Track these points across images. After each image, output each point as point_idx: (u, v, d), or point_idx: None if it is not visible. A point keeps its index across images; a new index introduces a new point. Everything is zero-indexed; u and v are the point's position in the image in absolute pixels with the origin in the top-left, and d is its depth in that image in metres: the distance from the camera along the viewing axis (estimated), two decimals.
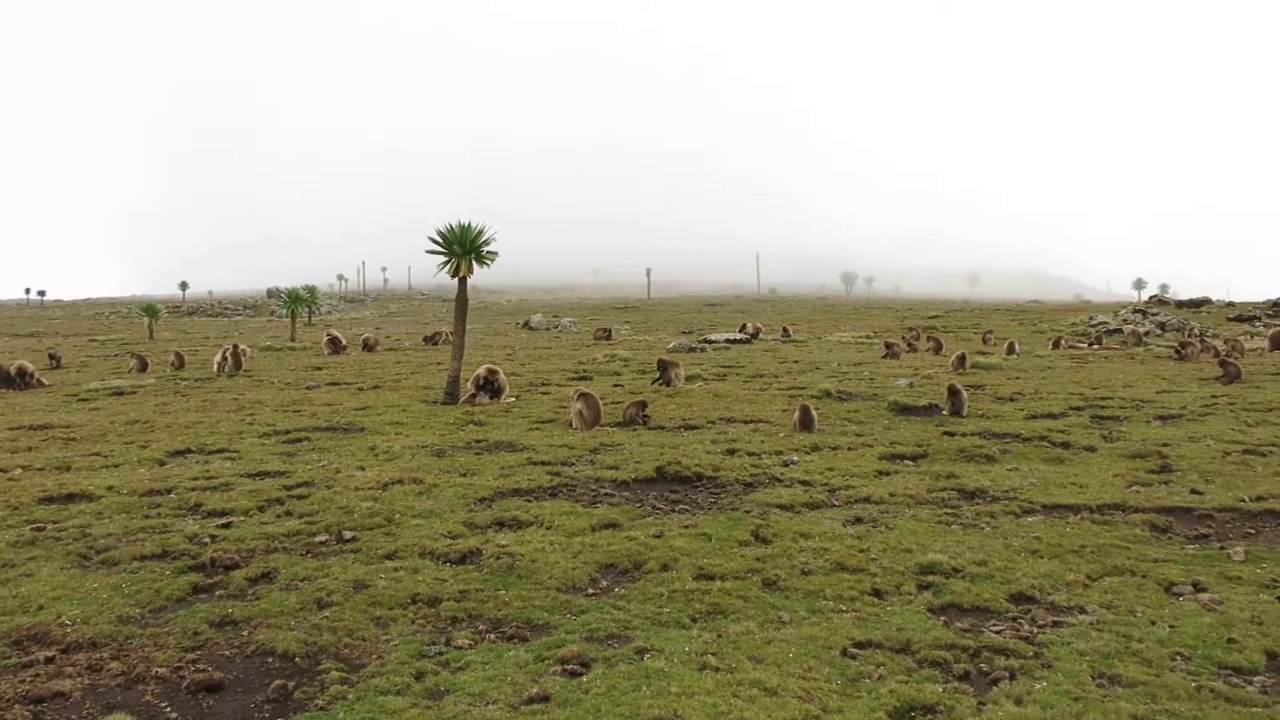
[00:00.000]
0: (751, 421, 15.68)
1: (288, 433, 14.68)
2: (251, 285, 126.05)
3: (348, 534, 8.96)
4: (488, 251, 19.03)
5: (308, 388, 21.20)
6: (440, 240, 18.84)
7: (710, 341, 35.72)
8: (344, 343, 32.63)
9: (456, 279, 19.08)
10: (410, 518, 9.56)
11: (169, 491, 10.70)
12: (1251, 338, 39.95)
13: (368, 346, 33.38)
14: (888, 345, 31.14)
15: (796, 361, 27.47)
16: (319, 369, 26.19)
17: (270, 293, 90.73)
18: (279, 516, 9.67)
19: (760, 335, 40.55)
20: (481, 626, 6.84)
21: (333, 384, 22.05)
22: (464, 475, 11.49)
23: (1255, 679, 5.91)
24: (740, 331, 40.36)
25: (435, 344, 36.17)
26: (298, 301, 41.76)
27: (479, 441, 13.84)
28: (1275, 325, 42.82)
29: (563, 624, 6.84)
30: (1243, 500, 10.12)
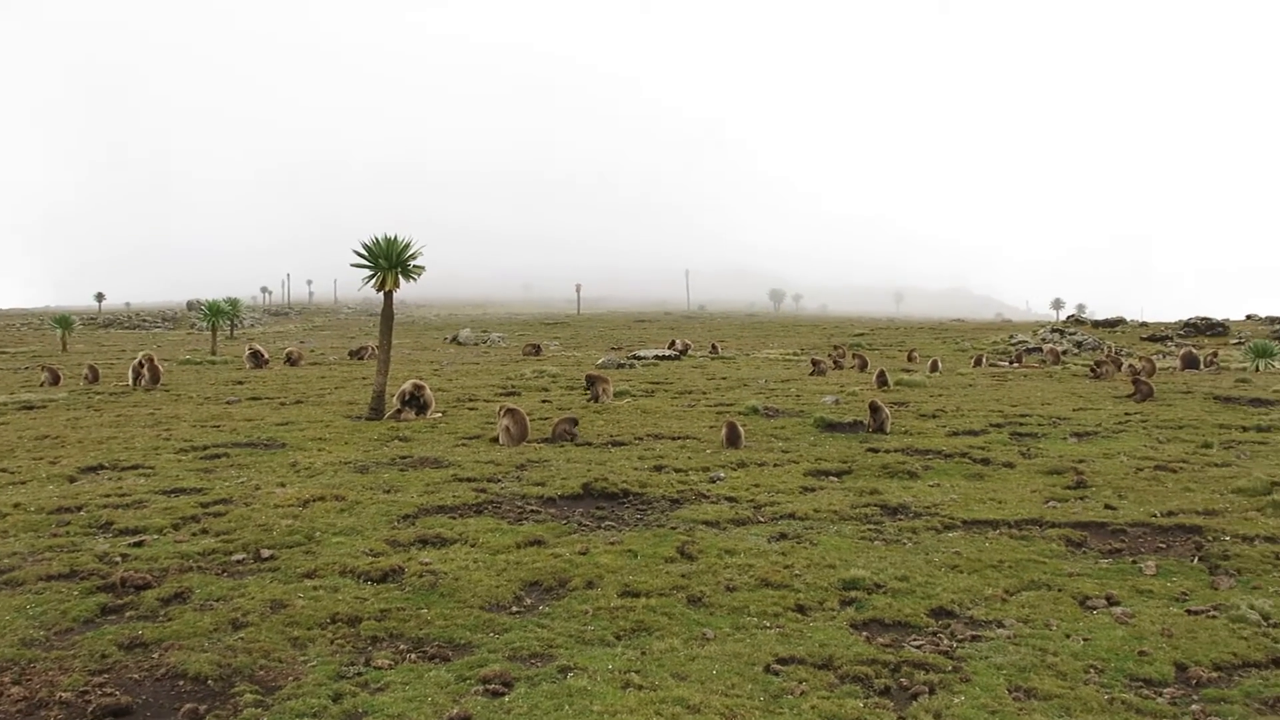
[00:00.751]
0: (679, 438, 15.71)
1: (206, 448, 14.32)
2: (171, 297, 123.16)
3: (266, 552, 8.75)
4: (414, 266, 18.84)
5: (228, 402, 20.73)
6: (366, 253, 18.60)
7: (639, 358, 35.77)
8: (266, 357, 32.01)
9: (383, 293, 18.85)
10: (331, 535, 9.39)
11: (79, 509, 10.36)
12: (1163, 357, 41.22)
13: (291, 361, 32.79)
14: (814, 362, 31.48)
15: (725, 378, 27.62)
16: (240, 383, 25.64)
17: (191, 305, 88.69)
18: (194, 535, 9.41)
19: (689, 352, 40.72)
20: (402, 646, 6.72)
21: (254, 399, 21.60)
22: (387, 492, 11.32)
23: (1165, 690, 6.06)
24: (669, 348, 40.49)
25: (361, 358, 35.68)
26: (219, 314, 40.87)
27: (404, 458, 13.66)
28: (1186, 345, 44.24)
29: (485, 643, 6.75)
30: (1154, 515, 10.40)
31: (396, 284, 18.68)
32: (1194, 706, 5.81)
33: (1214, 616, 7.29)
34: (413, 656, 6.54)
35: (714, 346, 44.58)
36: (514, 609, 7.51)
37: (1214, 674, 6.28)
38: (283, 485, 11.59)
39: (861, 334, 61.37)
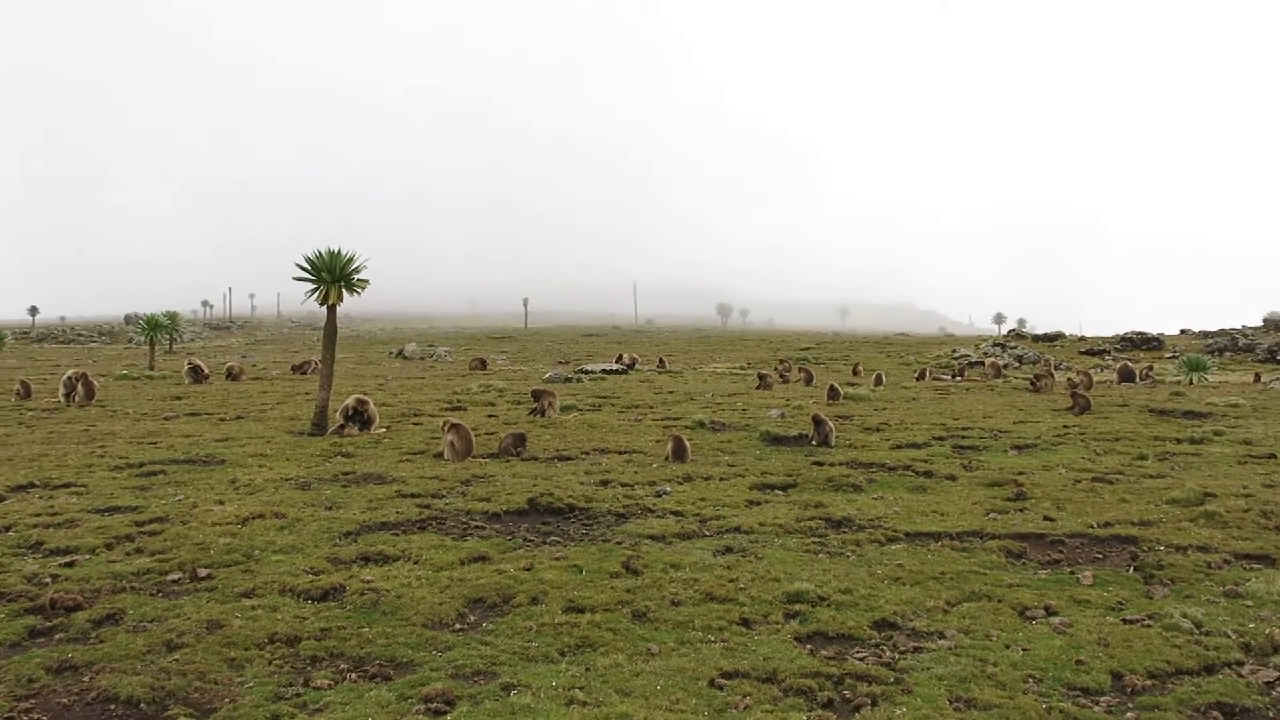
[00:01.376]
0: (626, 452, 15.70)
1: (142, 466, 14.02)
2: (108, 311, 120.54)
3: (203, 571, 8.58)
4: (358, 279, 18.66)
5: (166, 418, 20.33)
6: (309, 267, 18.39)
7: (587, 372, 35.73)
8: (206, 371, 31.47)
9: (326, 307, 18.64)
10: (271, 553, 9.23)
11: (8, 529, 10.08)
12: (1101, 370, 42.08)
13: (232, 375, 32.27)
14: (761, 376, 31.66)
15: (672, 392, 27.67)
16: (179, 399, 25.16)
17: (129, 319, 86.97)
18: (129, 554, 9.20)
19: (636, 366, 40.76)
20: (343, 665, 6.62)
21: (193, 414, 21.21)
22: (329, 509, 11.16)
23: (1101, 699, 6.15)
24: (617, 362, 40.50)
25: (304, 373, 35.22)
26: (158, 328, 40.16)
27: (346, 474, 13.49)
28: (1123, 359, 45.20)
29: (428, 661, 6.67)
30: (1091, 526, 10.58)
31: (340, 298, 18.48)
32: (1129, 714, 5.91)
33: (1149, 625, 7.43)
34: (353, 676, 6.44)
35: (661, 361, 44.69)
36: (457, 626, 7.44)
37: (1149, 682, 6.39)
38: (221, 503, 11.38)
39: (808, 348, 61.90)
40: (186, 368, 31.33)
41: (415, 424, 19.46)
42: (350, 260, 18.44)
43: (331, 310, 18.78)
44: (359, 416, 17.93)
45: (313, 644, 6.90)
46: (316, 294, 18.46)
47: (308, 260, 18.38)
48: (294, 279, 18.62)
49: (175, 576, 8.49)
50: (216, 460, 14.65)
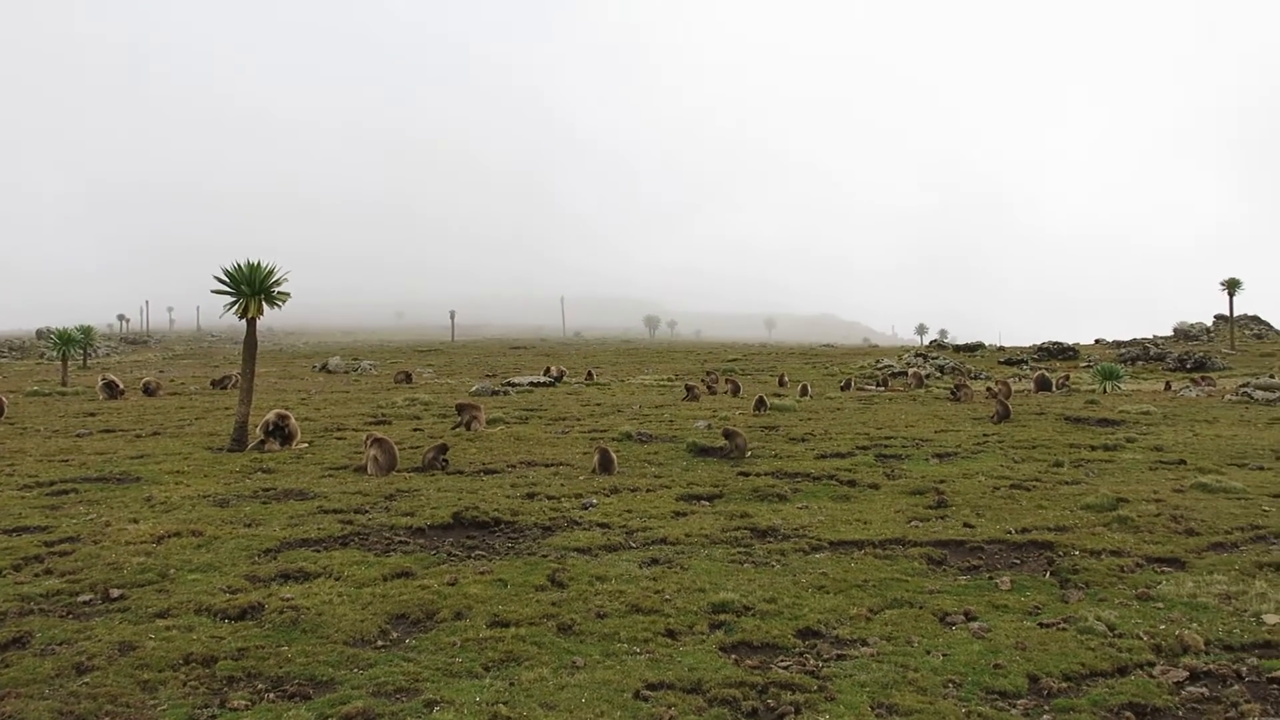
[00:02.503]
0: (553, 465, 15.64)
1: (52, 484, 13.56)
2: (18, 325, 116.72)
3: (115, 592, 8.33)
4: (279, 292, 18.32)
5: (78, 436, 19.71)
6: (228, 280, 18.01)
7: (514, 384, 35.53)
8: (122, 387, 30.58)
9: (245, 320, 18.26)
10: (187, 572, 8.99)
11: None
12: (1019, 379, 43.05)
13: (149, 391, 31.43)
14: (688, 388, 31.78)
15: (599, 404, 27.65)
16: (92, 415, 24.42)
17: (40, 333, 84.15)
18: (37, 575, 8.89)
19: (565, 378, 40.65)
20: (260, 686, 6.47)
21: (107, 431, 20.59)
22: (248, 526, 10.92)
23: (1019, 702, 6.28)
24: (545, 374, 40.35)
25: (224, 388, 34.44)
26: (70, 343, 38.94)
27: (267, 490, 13.21)
28: (1040, 368, 46.29)
29: (348, 679, 6.55)
30: (1009, 532, 10.81)
31: (260, 311, 18.12)
32: (1045, 717, 6.03)
33: (1064, 629, 7.60)
34: (271, 696, 6.30)
35: (589, 373, 44.65)
36: (379, 643, 7.32)
37: (1064, 684, 6.53)
38: (135, 521, 11.07)
39: (735, 359, 62.30)
40: (101, 383, 30.42)
41: (339, 438, 19.14)
42: (270, 272, 18.11)
43: (251, 324, 18.40)
44: (280, 431, 17.58)
45: (229, 664, 6.74)
46: (236, 307, 18.09)
47: (226, 273, 18.01)
48: (212, 292, 18.23)
49: (86, 598, 8.22)
50: (131, 478, 14.24)
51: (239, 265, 17.98)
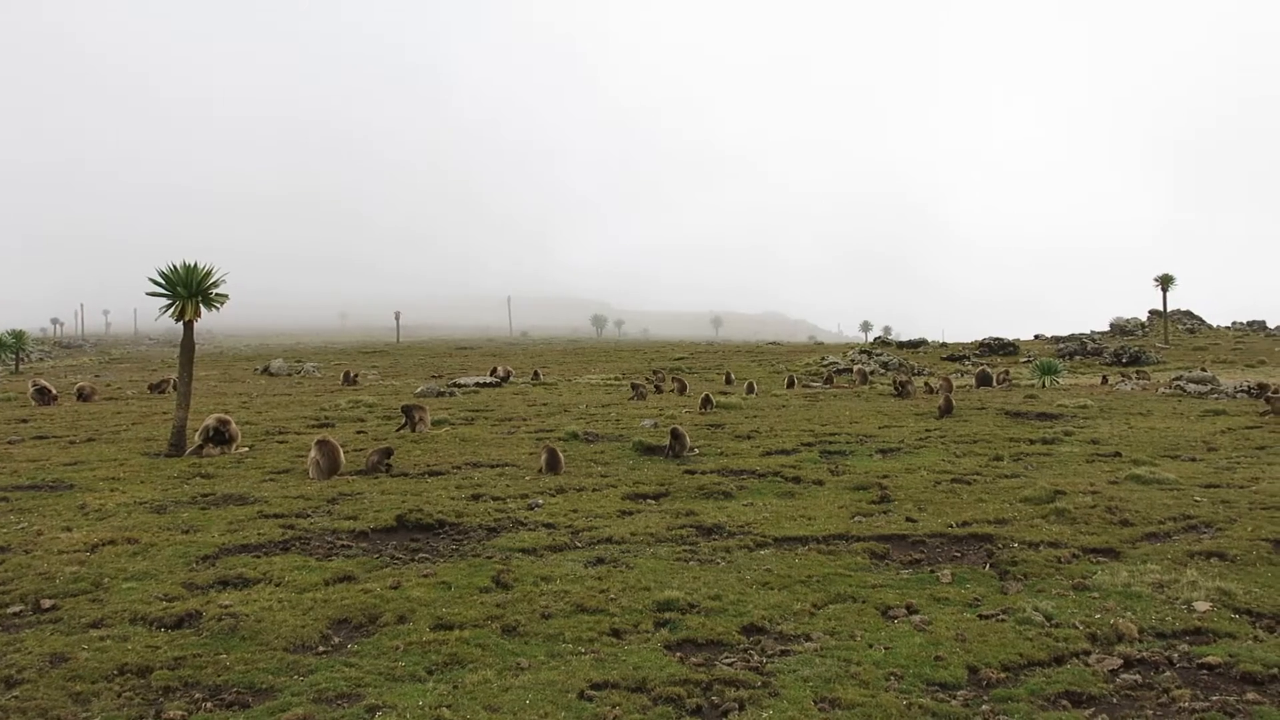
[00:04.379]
0: (499, 466, 15.55)
1: None
2: None
3: (47, 603, 8.12)
4: (217, 294, 18.01)
5: (9, 443, 19.19)
6: (164, 281, 17.66)
7: (460, 385, 35.30)
8: (54, 392, 29.86)
9: (183, 323, 17.92)
10: (122, 581, 8.80)
11: None
12: (961, 375, 43.67)
13: (83, 396, 30.71)
14: (634, 387, 31.83)
15: (546, 404, 27.57)
16: (24, 421, 23.80)
17: None
18: None
19: (511, 378, 40.48)
20: (198, 695, 6.34)
21: (40, 438, 20.08)
22: (186, 532, 10.71)
23: (959, 693, 6.36)
24: (491, 375, 40.15)
25: (162, 392, 33.79)
26: (2, 348, 37.99)
27: (206, 495, 12.97)
28: (982, 364, 47.01)
29: (289, 686, 6.45)
30: (951, 526, 10.95)
31: (197, 313, 17.81)
32: (984, 707, 6.11)
33: (1003, 620, 7.72)
34: (209, 705, 6.18)
35: (536, 373, 44.52)
36: (321, 649, 7.22)
37: (1002, 674, 6.63)
38: (69, 529, 10.81)
39: (682, 358, 62.51)
40: (32, 389, 29.68)
41: (280, 442, 18.87)
42: (208, 274, 17.80)
43: (189, 326, 18.06)
44: (220, 436, 17.28)
45: (166, 674, 6.60)
46: (172, 309, 17.75)
47: (162, 274, 17.66)
48: (148, 294, 17.87)
49: (17, 609, 8.02)
50: (64, 485, 13.90)
51: (175, 266, 17.66)
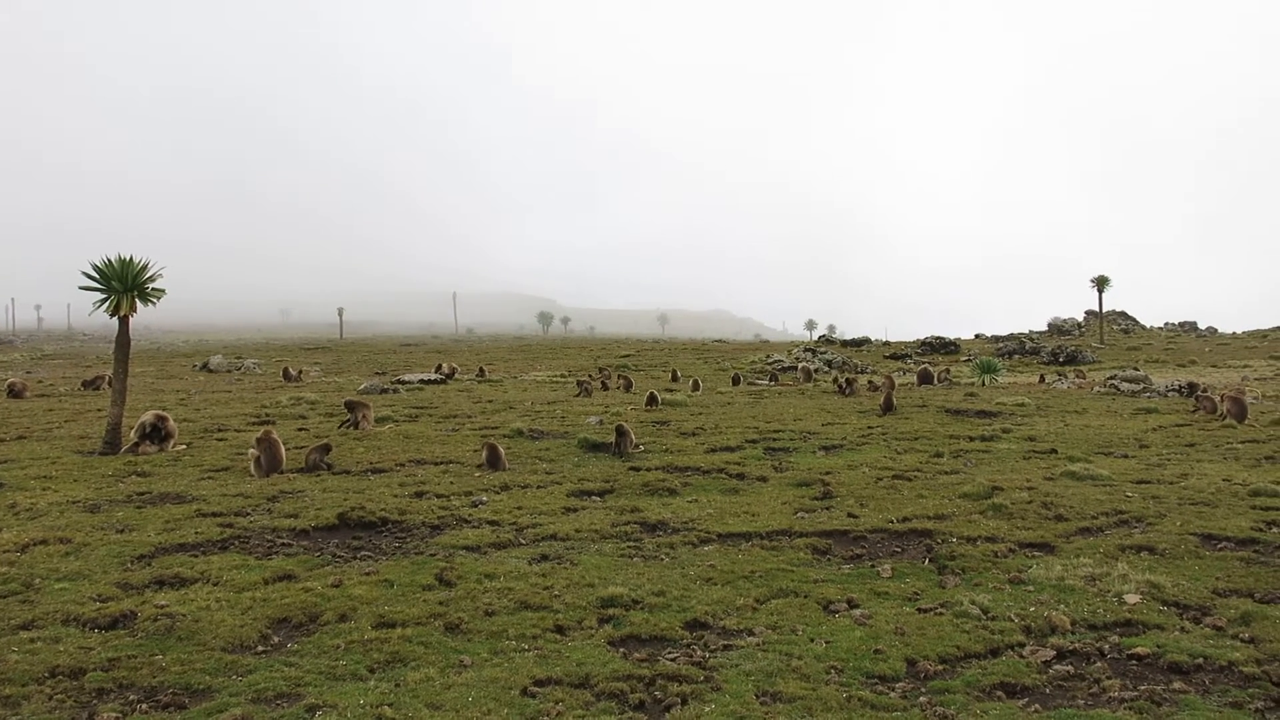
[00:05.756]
0: (443, 463, 15.45)
1: None
2: None
3: None
4: (153, 289, 17.67)
5: None
6: (98, 275, 17.28)
7: (404, 382, 35.01)
8: None
9: (118, 318, 17.55)
10: (54, 582, 8.61)
11: None
12: (904, 373, 44.23)
13: (14, 393, 29.96)
14: (580, 384, 31.80)
15: (491, 401, 27.44)
16: None
17: None
18: None
19: (456, 375, 40.23)
20: (133, 697, 6.23)
21: None
22: (121, 531, 10.51)
23: (897, 685, 6.45)
24: (435, 372, 39.87)
25: (96, 389, 33.07)
26: None
27: (142, 494, 12.73)
28: (924, 362, 47.64)
29: (227, 687, 6.36)
30: (891, 521, 11.10)
31: (133, 308, 17.46)
32: (922, 699, 6.21)
33: (941, 613, 7.85)
34: (144, 707, 6.08)
35: (481, 370, 44.27)
36: (260, 649, 7.13)
37: (940, 667, 6.74)
38: None
39: (628, 355, 62.53)
40: None
41: (219, 440, 18.56)
42: (144, 268, 17.45)
43: (124, 321, 17.70)
44: (156, 433, 16.96)
45: (99, 675, 6.47)
46: (107, 304, 17.38)
47: (96, 268, 17.28)
48: (80, 288, 17.48)
49: None
50: None
51: (110, 260, 17.29)
